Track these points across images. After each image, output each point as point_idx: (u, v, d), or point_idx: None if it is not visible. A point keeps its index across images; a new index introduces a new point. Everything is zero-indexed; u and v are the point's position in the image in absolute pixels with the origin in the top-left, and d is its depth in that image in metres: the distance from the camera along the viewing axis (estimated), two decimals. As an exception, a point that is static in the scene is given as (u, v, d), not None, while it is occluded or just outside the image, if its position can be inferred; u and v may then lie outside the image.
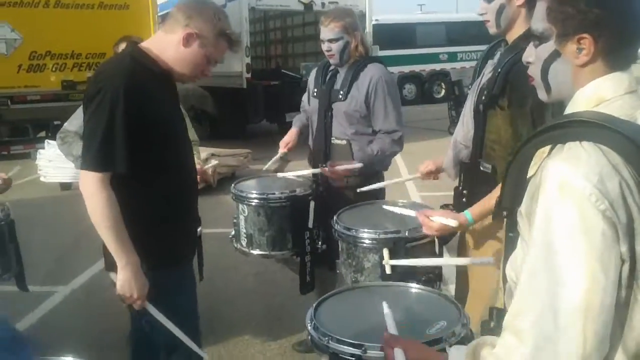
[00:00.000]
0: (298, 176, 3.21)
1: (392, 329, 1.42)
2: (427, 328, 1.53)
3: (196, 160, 3.51)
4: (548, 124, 1.14)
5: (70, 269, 4.99)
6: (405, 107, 14.92)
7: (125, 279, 1.98)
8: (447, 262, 2.58)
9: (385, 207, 2.61)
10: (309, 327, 1.60)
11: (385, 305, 1.52)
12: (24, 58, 9.05)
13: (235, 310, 4.19)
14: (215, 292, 4.46)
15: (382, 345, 1.34)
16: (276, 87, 11.42)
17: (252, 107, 12.08)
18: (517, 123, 2.07)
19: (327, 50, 3.06)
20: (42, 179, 8.31)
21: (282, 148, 3.35)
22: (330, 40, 3.03)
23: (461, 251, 2.47)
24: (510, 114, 2.09)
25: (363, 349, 1.45)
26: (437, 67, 20.02)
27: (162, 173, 2.09)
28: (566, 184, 1.02)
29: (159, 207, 2.09)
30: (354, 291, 1.88)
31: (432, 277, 2.26)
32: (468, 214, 2.11)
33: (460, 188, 2.37)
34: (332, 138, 3.13)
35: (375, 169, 3.08)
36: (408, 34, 19.60)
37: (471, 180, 2.31)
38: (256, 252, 3.01)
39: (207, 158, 7.96)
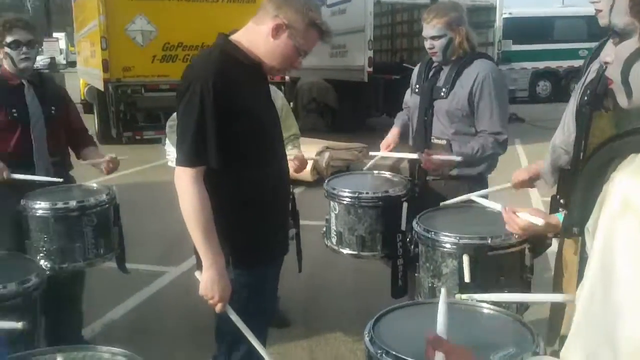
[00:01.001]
0: (395, 160, 3.08)
1: (441, 329, 1.27)
2: (492, 353, 1.39)
3: (296, 153, 3.52)
4: (625, 130, 0.96)
5: (182, 251, 5.23)
6: (537, 105, 14.26)
7: (208, 279, 1.97)
8: (535, 298, 2.14)
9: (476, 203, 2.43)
10: (366, 339, 1.52)
11: (442, 297, 1.35)
12: (158, 49, 9.62)
13: (330, 305, 4.16)
14: (312, 286, 4.47)
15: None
16: (397, 82, 11.25)
17: (373, 101, 12.04)
18: (622, 125, 1.82)
19: (430, 48, 2.92)
20: (169, 163, 8.82)
21: (383, 149, 3.26)
22: (432, 38, 2.89)
23: (557, 278, 2.15)
24: (616, 116, 1.84)
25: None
26: (576, 63, 18.71)
27: (251, 167, 2.06)
28: (630, 200, 0.86)
29: (247, 203, 2.06)
30: (421, 306, 1.75)
31: (519, 290, 2.06)
32: (562, 216, 1.89)
33: (558, 197, 2.15)
34: (432, 137, 3.00)
35: (475, 167, 2.91)
36: (545, 28, 18.52)
37: (570, 189, 2.08)
38: (345, 251, 2.95)
39: (321, 151, 8.04)
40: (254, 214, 2.08)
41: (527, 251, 2.16)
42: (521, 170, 2.50)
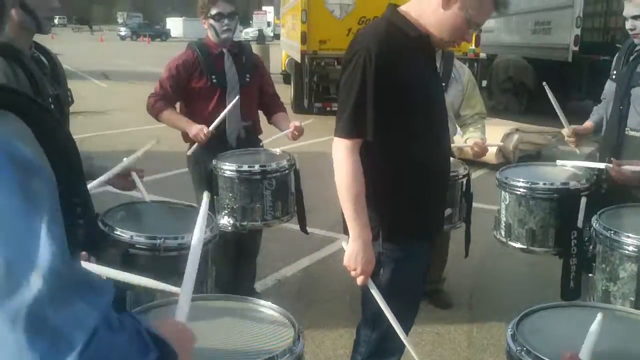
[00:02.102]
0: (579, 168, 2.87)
1: (585, 353, 1.18)
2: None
3: (478, 136, 3.41)
4: None
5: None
6: None
7: (353, 251, 1.98)
8: None
9: None
10: (508, 334, 1.47)
11: (597, 321, 1.25)
12: (353, 22, 9.80)
13: (497, 293, 4.04)
14: (482, 272, 4.36)
15: None
16: (606, 63, 10.25)
17: (576, 83, 11.12)
18: None
19: (631, 29, 2.64)
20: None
21: (568, 137, 3.05)
22: (634, 17, 2.60)
23: None
24: None
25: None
26: None
27: (410, 142, 2.02)
28: None
29: (401, 177, 2.04)
30: (577, 308, 1.63)
31: None
32: None
33: None
34: (627, 129, 2.72)
35: None
36: None
37: None
38: (514, 244, 2.83)
39: (509, 133, 7.68)
40: (407, 190, 2.05)
41: None
42: None
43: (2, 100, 0.79)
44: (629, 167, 2.51)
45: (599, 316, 1.27)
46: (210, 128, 3.22)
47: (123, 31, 56.87)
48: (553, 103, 2.93)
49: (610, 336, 1.32)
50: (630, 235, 2.04)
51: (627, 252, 2.03)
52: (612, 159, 2.61)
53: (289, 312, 1.61)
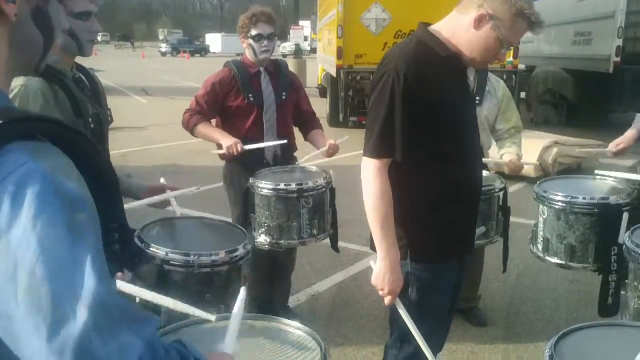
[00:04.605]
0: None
1: None
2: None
3: (514, 151, 3.37)
4: None
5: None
6: None
7: (380, 271, 1.98)
8: None
9: None
10: (546, 354, 1.44)
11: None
12: (389, 36, 9.81)
13: (534, 311, 3.94)
14: (519, 288, 4.29)
15: None
16: (649, 74, 10.03)
17: (617, 95, 10.88)
18: None
19: None
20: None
21: (612, 147, 2.99)
22: None
23: None
24: None
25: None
26: None
27: (440, 162, 2.01)
28: None
29: (430, 197, 2.03)
30: (617, 328, 1.60)
31: None
32: None
33: None
34: (671, 141, 2.66)
35: None
36: None
37: None
38: (552, 259, 2.78)
39: (548, 145, 7.55)
40: (437, 210, 2.04)
41: None
42: None
43: (41, 130, 0.81)
44: None
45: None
46: (246, 147, 3.26)
47: (164, 47, 58.09)
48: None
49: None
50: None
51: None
52: None
53: (318, 330, 1.61)
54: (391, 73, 1.91)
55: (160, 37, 78.48)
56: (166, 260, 2.07)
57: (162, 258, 2.06)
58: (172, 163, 8.43)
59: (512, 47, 2.01)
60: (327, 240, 3.31)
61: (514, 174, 3.38)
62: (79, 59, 2.20)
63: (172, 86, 21.46)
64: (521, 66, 12.28)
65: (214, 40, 61.99)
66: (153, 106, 16.05)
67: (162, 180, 2.44)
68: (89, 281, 0.73)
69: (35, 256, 0.72)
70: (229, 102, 3.40)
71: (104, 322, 0.73)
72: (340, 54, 10.20)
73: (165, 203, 2.42)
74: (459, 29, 1.98)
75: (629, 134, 3.05)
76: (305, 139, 3.67)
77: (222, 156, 3.44)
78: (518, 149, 3.41)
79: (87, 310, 0.72)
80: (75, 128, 0.88)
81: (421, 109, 1.93)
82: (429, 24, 2.08)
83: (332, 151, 3.45)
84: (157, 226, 2.35)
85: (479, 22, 1.92)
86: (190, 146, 9.23)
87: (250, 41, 3.38)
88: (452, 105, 2.02)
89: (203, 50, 58.29)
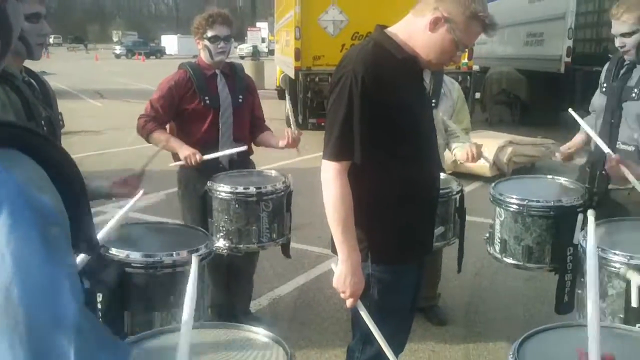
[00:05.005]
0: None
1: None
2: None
3: (465, 145, 3.40)
4: None
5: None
6: None
7: (342, 273, 1.97)
8: None
9: None
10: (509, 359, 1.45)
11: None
12: (347, 38, 9.84)
13: (493, 309, 4.01)
14: (477, 287, 4.35)
15: None
16: (598, 74, 10.29)
17: (569, 94, 11.20)
18: None
19: (621, 46, 2.66)
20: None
21: (561, 152, 3.05)
22: (623, 35, 2.62)
23: None
24: None
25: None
26: None
27: (398, 164, 2.02)
28: None
29: (389, 199, 2.04)
30: (575, 328, 1.63)
31: None
32: None
33: None
34: (618, 142, 2.73)
35: None
36: None
37: None
38: (509, 260, 2.82)
39: (503, 145, 7.69)
40: (396, 211, 2.04)
41: None
42: None
43: (9, 136, 0.75)
44: (625, 170, 2.52)
45: None
46: (204, 157, 3.19)
47: (118, 49, 57.02)
48: (588, 130, 2.84)
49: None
50: (617, 252, 2.03)
51: (614, 269, 2.03)
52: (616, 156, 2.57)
53: (282, 334, 1.60)
54: (349, 75, 1.91)
55: (115, 39, 77.05)
56: (127, 262, 2.03)
57: (123, 261, 2.02)
58: (130, 168, 8.24)
59: (467, 49, 2.02)
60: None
61: (472, 162, 3.38)
62: (29, 63, 2.12)
63: (128, 89, 21.06)
64: (475, 67, 12.53)
65: (170, 42, 61.26)
66: (108, 110, 15.71)
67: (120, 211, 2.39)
68: (67, 306, 0.69)
69: (10, 275, 0.67)
70: (185, 105, 3.34)
71: (83, 350, 0.69)
72: (298, 55, 10.19)
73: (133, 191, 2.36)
74: (415, 32, 1.99)
75: (578, 138, 3.10)
76: (255, 143, 3.60)
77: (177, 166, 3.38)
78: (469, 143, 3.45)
79: (67, 339, 0.68)
80: (45, 135, 0.83)
81: (379, 111, 1.94)
82: (385, 27, 2.09)
83: (295, 140, 3.33)
84: (116, 231, 2.30)
85: (434, 24, 1.94)
86: (148, 150, 9.04)
87: (207, 43, 3.33)
88: (410, 107, 2.03)
89: (159, 52, 57.49)
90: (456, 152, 3.39)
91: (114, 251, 2.05)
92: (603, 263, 2.04)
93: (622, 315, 2.02)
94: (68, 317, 0.69)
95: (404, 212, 2.06)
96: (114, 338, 0.78)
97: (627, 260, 1.98)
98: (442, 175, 2.92)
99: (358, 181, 1.99)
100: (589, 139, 3.03)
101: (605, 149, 2.61)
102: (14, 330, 0.67)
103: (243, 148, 3.33)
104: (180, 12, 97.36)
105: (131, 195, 2.34)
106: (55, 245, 0.72)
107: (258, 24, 46.50)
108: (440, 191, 2.41)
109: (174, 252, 2.14)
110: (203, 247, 2.25)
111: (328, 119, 2.02)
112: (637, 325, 1.88)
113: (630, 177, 2.52)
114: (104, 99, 18.42)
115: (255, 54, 21.43)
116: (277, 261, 4.49)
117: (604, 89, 2.86)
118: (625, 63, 2.78)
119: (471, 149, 3.13)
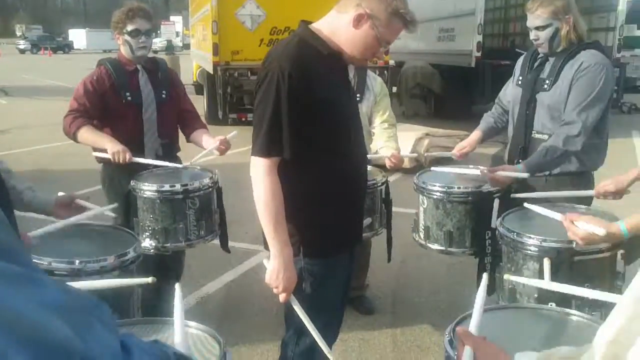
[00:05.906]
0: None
1: (474, 323, 1.36)
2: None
3: (393, 146, 3.50)
4: None
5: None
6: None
7: (274, 268, 1.99)
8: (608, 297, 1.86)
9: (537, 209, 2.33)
10: (446, 340, 1.52)
11: (479, 298, 1.42)
12: (265, 33, 9.83)
13: (419, 296, 4.15)
14: (403, 275, 4.48)
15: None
16: (507, 68, 10.80)
17: (479, 88, 11.69)
18: None
19: (535, 39, 2.81)
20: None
21: (456, 151, 3.20)
22: (537, 28, 2.78)
23: None
24: None
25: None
26: None
27: (326, 159, 2.05)
28: None
29: (318, 192, 2.07)
30: (506, 310, 1.73)
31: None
32: (623, 224, 1.82)
33: None
34: (533, 132, 2.89)
35: (568, 164, 2.77)
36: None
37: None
38: (433, 246, 2.94)
39: (420, 137, 7.96)
40: (325, 204, 2.08)
41: (619, 257, 2.04)
42: (608, 181, 2.38)
43: None
44: (502, 173, 2.73)
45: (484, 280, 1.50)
46: (135, 159, 3.08)
47: (22, 44, 54.12)
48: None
49: (537, 334, 1.40)
50: (531, 236, 2.17)
51: (529, 252, 2.16)
52: (483, 168, 2.82)
53: (214, 330, 1.60)
54: (275, 72, 1.92)
55: (18, 34, 72.89)
56: (49, 270, 1.95)
57: (44, 269, 1.94)
58: (41, 168, 7.89)
59: (389, 45, 2.09)
60: (216, 241, 3.27)
61: (395, 169, 3.52)
62: None
63: (34, 85, 20.05)
64: (392, 62, 12.82)
65: (78, 36, 58.77)
66: (14, 107, 14.86)
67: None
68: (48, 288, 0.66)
69: None
70: (106, 102, 3.23)
71: (75, 322, 0.66)
72: (216, 50, 10.05)
73: (74, 211, 2.37)
74: (339, 28, 2.02)
75: (474, 136, 3.25)
76: (188, 140, 3.53)
77: (99, 159, 3.26)
78: (396, 144, 3.54)
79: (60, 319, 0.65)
80: None
81: (306, 106, 1.96)
82: (309, 22, 2.11)
83: (225, 147, 3.28)
84: (37, 238, 2.20)
85: (357, 21, 1.98)
86: (59, 149, 8.69)
87: (127, 37, 3.24)
88: (336, 102, 2.06)
89: (66, 47, 55.08)
90: (383, 151, 3.47)
91: (36, 259, 1.96)
92: (519, 246, 2.17)
93: (536, 295, 2.14)
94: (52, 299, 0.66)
95: (333, 206, 2.10)
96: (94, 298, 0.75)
97: (540, 243, 2.11)
98: (368, 168, 3.00)
99: (288, 176, 2.00)
100: (483, 137, 3.20)
101: (474, 171, 2.88)
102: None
103: (179, 165, 3.27)
104: (88, 5, 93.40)
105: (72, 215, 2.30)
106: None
107: (172, 18, 45.32)
108: (367, 183, 2.47)
109: (100, 258, 2.07)
110: (131, 251, 2.19)
111: (255, 115, 2.02)
112: (550, 303, 2.00)
113: (511, 174, 2.72)
114: (8, 97, 17.45)
115: (170, 48, 20.91)
116: (204, 259, 4.44)
117: (519, 82, 3.00)
118: (539, 56, 2.94)
119: (391, 160, 3.30)
